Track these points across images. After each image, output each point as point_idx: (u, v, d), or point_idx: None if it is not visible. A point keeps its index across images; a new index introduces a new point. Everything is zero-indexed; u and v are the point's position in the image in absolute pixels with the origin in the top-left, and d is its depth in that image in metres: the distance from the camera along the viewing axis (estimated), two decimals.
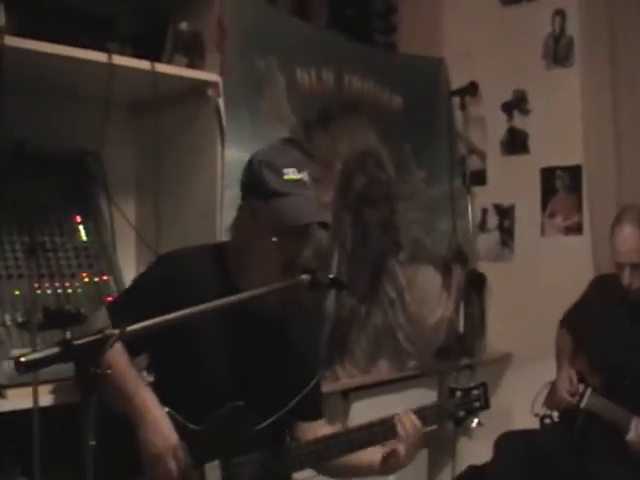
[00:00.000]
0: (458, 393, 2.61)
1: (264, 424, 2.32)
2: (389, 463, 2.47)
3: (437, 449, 4.62)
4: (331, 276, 2.26)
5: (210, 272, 2.38)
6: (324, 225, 2.32)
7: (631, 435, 3.36)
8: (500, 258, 4.84)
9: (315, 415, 2.60)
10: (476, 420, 2.63)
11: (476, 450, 4.15)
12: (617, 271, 3.58)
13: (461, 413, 2.60)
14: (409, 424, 2.43)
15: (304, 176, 2.27)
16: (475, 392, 2.63)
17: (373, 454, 2.50)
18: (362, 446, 2.44)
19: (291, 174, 2.25)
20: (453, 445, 4.76)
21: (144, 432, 2.18)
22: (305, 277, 2.19)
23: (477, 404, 2.62)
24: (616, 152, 4.27)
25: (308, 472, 2.66)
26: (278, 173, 2.25)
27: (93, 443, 1.67)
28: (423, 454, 4.42)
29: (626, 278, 3.54)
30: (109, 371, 1.69)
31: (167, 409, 2.25)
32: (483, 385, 2.65)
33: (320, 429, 2.56)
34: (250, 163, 2.32)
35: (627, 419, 3.41)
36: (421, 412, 2.49)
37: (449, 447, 4.74)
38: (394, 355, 4.19)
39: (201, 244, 2.51)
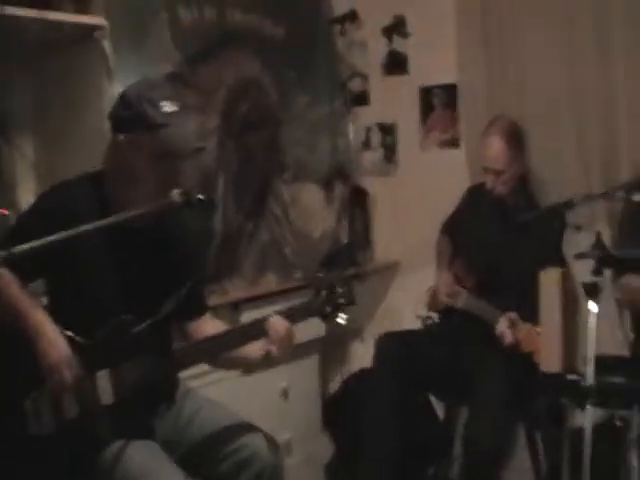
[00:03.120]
0: (323, 292, 2.72)
1: (141, 327, 2.51)
2: (268, 358, 2.69)
3: (329, 355, 4.82)
4: (200, 196, 2.46)
5: (88, 200, 2.58)
6: (200, 149, 2.65)
7: (499, 328, 3.68)
8: (385, 173, 5.02)
9: (199, 312, 2.85)
10: (343, 315, 2.74)
11: (368, 354, 4.17)
12: (485, 177, 3.90)
13: (328, 309, 2.72)
14: (279, 325, 2.63)
15: (178, 107, 2.53)
16: (340, 290, 2.73)
17: (254, 348, 2.70)
18: (237, 345, 2.67)
19: (167, 107, 2.50)
20: (344, 350, 4.99)
21: (40, 346, 2.42)
22: (176, 197, 2.43)
23: (342, 300, 2.73)
24: (487, 71, 4.53)
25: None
26: (156, 107, 2.49)
27: None
28: (314, 360, 4.61)
29: (489, 182, 3.88)
30: None
31: (59, 328, 2.48)
32: (347, 283, 2.78)
33: (206, 324, 2.83)
34: (126, 98, 2.54)
35: (496, 315, 3.71)
36: (289, 312, 2.68)
37: (340, 352, 4.98)
38: (281, 268, 4.38)
39: (76, 175, 2.69)
